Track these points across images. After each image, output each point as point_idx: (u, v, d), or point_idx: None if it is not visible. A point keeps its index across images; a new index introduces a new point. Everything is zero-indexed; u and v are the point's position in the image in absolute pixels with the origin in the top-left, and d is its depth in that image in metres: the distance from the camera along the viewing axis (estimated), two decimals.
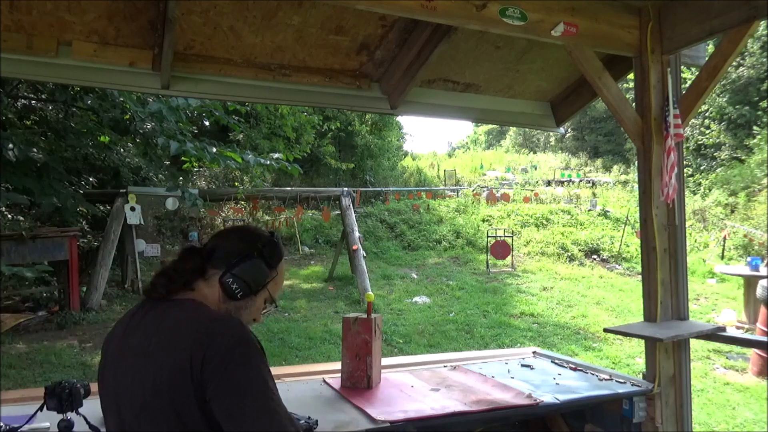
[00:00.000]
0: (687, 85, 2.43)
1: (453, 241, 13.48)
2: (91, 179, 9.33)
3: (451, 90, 2.98)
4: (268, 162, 6.62)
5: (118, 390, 1.19)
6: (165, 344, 1.13)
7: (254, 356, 1.12)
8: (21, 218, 8.42)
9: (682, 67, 2.57)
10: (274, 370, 2.31)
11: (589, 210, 16.01)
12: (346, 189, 10.66)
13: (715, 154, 18.56)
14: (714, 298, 9.57)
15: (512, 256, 11.68)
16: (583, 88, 3.03)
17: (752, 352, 5.81)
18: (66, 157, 7.40)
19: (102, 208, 9.36)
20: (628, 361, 6.22)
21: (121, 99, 6.04)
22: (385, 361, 2.50)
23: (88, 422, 1.63)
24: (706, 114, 18.65)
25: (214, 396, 1.07)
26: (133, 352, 1.18)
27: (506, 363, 2.74)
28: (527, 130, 27.90)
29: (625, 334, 2.56)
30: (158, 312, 1.21)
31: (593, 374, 2.51)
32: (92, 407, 1.55)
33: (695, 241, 13.75)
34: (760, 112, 17.32)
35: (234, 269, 1.27)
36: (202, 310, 1.21)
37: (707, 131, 18.65)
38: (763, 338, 4.99)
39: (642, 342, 2.53)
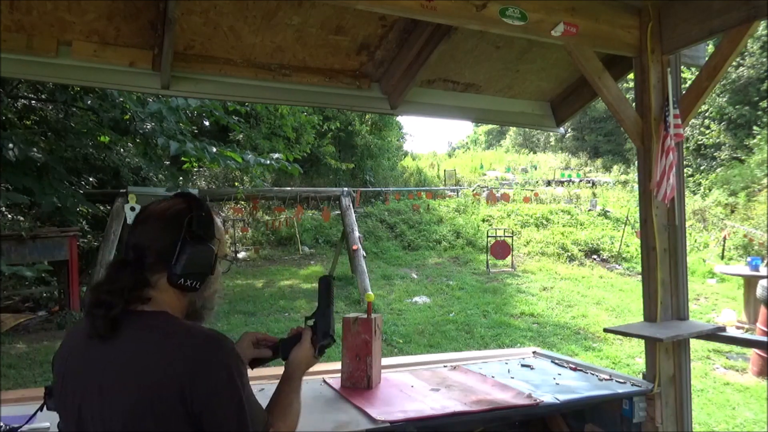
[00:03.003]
0: (687, 85, 2.43)
1: (453, 241, 13.48)
2: (91, 179, 9.33)
3: (451, 90, 2.97)
4: (268, 162, 6.62)
5: (80, 410, 1.11)
6: (143, 365, 1.06)
7: (235, 371, 1.10)
8: (21, 218, 8.42)
9: (682, 67, 2.57)
10: (274, 371, 2.32)
11: (589, 210, 16.02)
12: (346, 189, 10.66)
13: (715, 154, 18.58)
14: (714, 298, 9.57)
15: (512, 256, 11.68)
16: (583, 88, 3.03)
17: (752, 352, 5.81)
18: (66, 157, 7.40)
19: (102, 208, 9.35)
20: (628, 361, 6.22)
21: (121, 99, 6.05)
22: (385, 361, 2.50)
23: None
24: (706, 114, 18.66)
25: (205, 410, 1.06)
26: (101, 371, 1.09)
27: (506, 363, 2.73)
28: (527, 130, 27.92)
29: (625, 334, 2.56)
30: (123, 328, 1.10)
31: (593, 374, 2.51)
32: None
33: (695, 241, 13.75)
34: (760, 112, 17.34)
35: (176, 267, 1.15)
36: (172, 325, 1.13)
37: (707, 131, 18.66)
38: (763, 338, 4.99)
39: (642, 342, 2.53)
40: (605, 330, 2.56)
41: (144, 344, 1.09)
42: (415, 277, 10.83)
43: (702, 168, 18.71)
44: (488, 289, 9.87)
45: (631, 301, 9.09)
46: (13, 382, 5.24)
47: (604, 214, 15.63)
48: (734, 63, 16.77)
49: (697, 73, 2.40)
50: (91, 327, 1.10)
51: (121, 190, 8.77)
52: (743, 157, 16.99)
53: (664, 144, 2.29)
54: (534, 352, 2.95)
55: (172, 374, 1.04)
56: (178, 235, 1.17)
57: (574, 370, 2.59)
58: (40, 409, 1.62)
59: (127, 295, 1.12)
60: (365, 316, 2.24)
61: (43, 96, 7.17)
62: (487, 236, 12.21)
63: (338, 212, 10.74)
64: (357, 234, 9.68)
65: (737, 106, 17.86)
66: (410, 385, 2.30)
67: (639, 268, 8.88)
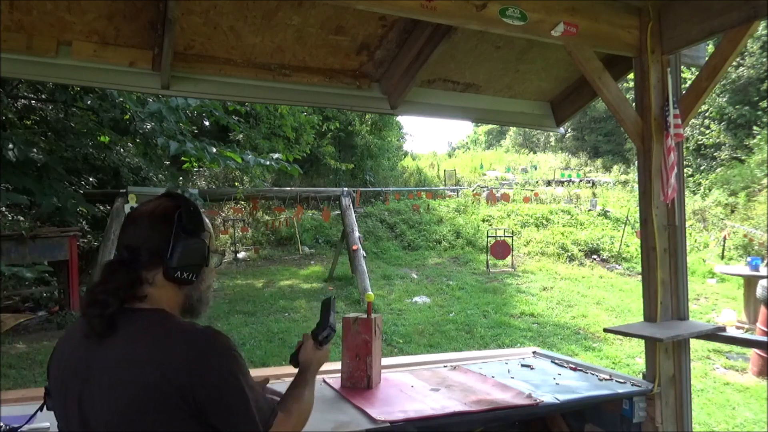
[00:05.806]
0: (687, 85, 2.43)
1: (453, 241, 13.48)
2: (91, 179, 9.33)
3: (451, 90, 2.97)
4: (268, 162, 6.63)
5: (81, 410, 1.11)
6: (141, 362, 1.07)
7: (233, 364, 1.13)
8: (21, 218, 8.42)
9: (682, 67, 2.57)
10: (275, 371, 2.32)
11: (589, 210, 16.02)
12: (346, 189, 10.66)
13: (715, 154, 18.58)
14: (714, 298, 9.57)
15: (512, 256, 11.68)
16: (583, 88, 3.03)
17: (752, 352, 5.81)
18: (66, 157, 7.40)
19: (102, 208, 9.35)
20: (628, 361, 6.22)
21: (121, 99, 6.05)
22: (385, 361, 2.50)
23: None
24: (706, 114, 18.65)
25: (210, 403, 1.08)
26: (100, 370, 1.10)
27: (506, 363, 2.73)
28: (527, 130, 27.92)
29: (625, 334, 2.56)
30: (120, 326, 1.11)
31: (593, 374, 2.51)
32: None
33: (695, 241, 13.75)
34: (760, 112, 17.33)
35: (172, 261, 1.18)
36: (168, 322, 1.15)
37: (707, 131, 18.65)
38: (763, 338, 4.99)
39: (642, 342, 2.53)
40: (605, 330, 2.56)
41: (141, 342, 1.10)
42: (415, 277, 10.83)
43: (702, 168, 18.71)
44: (488, 289, 9.87)
45: (631, 301, 9.09)
46: (13, 382, 5.24)
47: (604, 214, 15.64)
48: (734, 63, 16.77)
49: (697, 73, 2.40)
50: (87, 327, 1.11)
51: (121, 190, 8.76)
52: (743, 157, 16.98)
53: (665, 144, 2.29)
54: (534, 352, 2.95)
55: (170, 371, 1.05)
56: (170, 229, 1.19)
57: (574, 370, 2.59)
58: (40, 409, 1.61)
59: (123, 294, 1.13)
60: (365, 316, 2.24)
61: (43, 96, 7.18)
62: (487, 236, 12.21)
63: (338, 212, 10.74)
64: (357, 234, 9.67)
65: (737, 106, 17.85)
66: (410, 385, 2.30)
67: (639, 268, 8.88)
